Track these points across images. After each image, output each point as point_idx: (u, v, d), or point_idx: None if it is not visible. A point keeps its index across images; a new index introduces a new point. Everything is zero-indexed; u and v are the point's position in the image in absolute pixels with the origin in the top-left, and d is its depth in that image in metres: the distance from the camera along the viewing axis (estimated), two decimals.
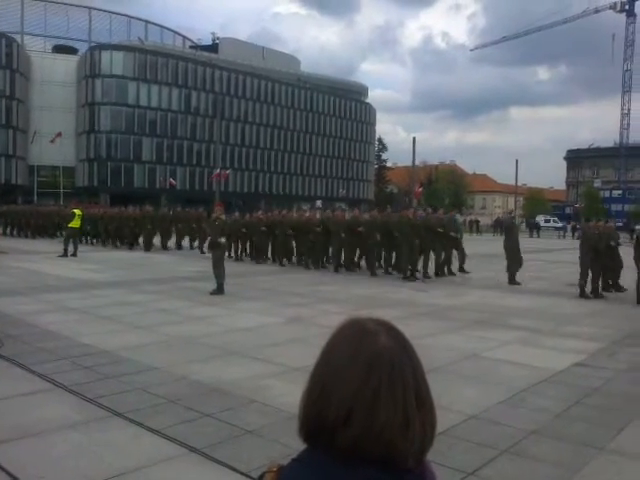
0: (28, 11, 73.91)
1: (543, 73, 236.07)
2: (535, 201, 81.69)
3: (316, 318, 9.21)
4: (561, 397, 5.61)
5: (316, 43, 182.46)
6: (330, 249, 17.05)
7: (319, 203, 66.78)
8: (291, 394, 5.42)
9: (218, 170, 40.69)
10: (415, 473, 0.93)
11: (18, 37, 68.82)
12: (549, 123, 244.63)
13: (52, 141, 53.96)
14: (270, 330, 8.42)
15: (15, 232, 30.54)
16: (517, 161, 50.18)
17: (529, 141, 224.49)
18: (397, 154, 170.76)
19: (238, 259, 19.57)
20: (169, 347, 7.27)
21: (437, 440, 3.43)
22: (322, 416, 0.91)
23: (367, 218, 17.14)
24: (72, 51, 73.18)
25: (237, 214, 20.73)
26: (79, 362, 6.39)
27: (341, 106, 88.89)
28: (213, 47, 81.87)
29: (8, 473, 3.76)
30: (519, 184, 59.70)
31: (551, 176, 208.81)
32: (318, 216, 18.30)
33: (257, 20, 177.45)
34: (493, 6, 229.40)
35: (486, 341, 7.98)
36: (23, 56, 66.77)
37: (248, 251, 19.81)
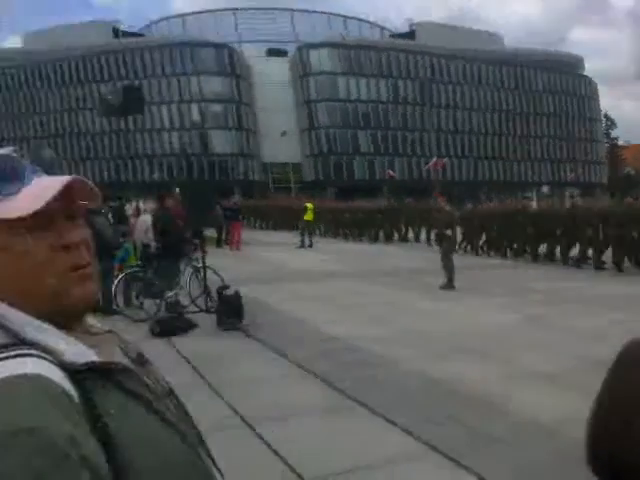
0: (240, 21, 79.56)
1: None
2: None
3: (557, 318, 8.53)
4: None
5: (518, 17, 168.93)
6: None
7: (546, 189, 62.45)
8: (539, 403, 5.08)
9: (434, 159, 40.28)
10: None
11: (236, 46, 74.09)
12: None
13: (283, 135, 58.55)
14: (507, 329, 8.01)
15: (258, 224, 33.53)
16: None
17: None
18: (630, 130, 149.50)
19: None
20: (406, 341, 7.33)
21: None
22: (616, 457, 0.78)
23: None
24: (282, 53, 77.03)
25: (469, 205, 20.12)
26: (322, 349, 6.81)
27: (555, 81, 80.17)
28: (410, 34, 80.00)
29: (270, 447, 4.14)
30: None
31: None
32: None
33: (452, 1, 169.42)
34: None
35: None
36: (243, 63, 72.42)
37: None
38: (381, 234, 23.50)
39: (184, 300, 8.72)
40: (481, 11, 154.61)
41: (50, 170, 0.81)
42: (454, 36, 77.36)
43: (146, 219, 10.08)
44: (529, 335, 7.68)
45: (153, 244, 9.50)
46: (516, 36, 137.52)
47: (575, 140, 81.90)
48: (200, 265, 8.91)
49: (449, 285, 11.40)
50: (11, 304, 0.73)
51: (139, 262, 9.66)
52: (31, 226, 0.74)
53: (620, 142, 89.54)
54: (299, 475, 3.74)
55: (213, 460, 0.84)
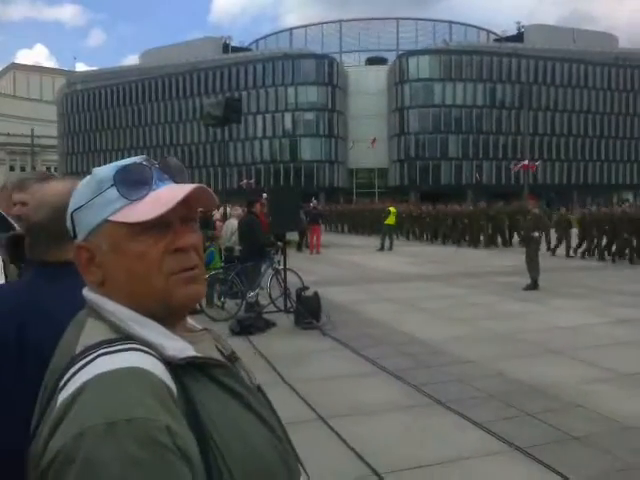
0: (345, 31, 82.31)
1: None
2: None
3: None
4: None
5: (636, 16, 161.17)
6: None
7: None
8: (623, 402, 4.96)
9: (526, 161, 39.15)
10: None
11: (337, 56, 76.96)
12: None
13: (372, 145, 59.00)
14: (593, 330, 7.77)
15: (339, 228, 33.80)
16: None
17: None
18: None
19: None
20: (485, 341, 7.26)
21: None
22: None
23: None
24: (382, 61, 78.82)
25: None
26: (400, 349, 6.82)
27: None
28: (518, 37, 79.04)
29: (346, 443, 4.21)
30: None
31: None
32: None
33: (566, 2, 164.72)
34: None
35: None
36: (341, 72, 74.27)
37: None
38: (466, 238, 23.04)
39: (264, 300, 8.96)
40: (600, 11, 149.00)
41: (177, 178, 0.87)
42: (564, 38, 75.58)
43: (232, 223, 10.41)
44: (614, 336, 7.40)
45: (237, 247, 9.84)
46: (635, 37, 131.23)
47: None
48: (281, 267, 9.12)
49: (533, 286, 11.17)
50: (121, 301, 0.81)
51: (222, 264, 10.00)
52: (150, 229, 0.80)
53: None
54: (374, 470, 3.80)
55: (297, 455, 0.89)
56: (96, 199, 0.83)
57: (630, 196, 66.76)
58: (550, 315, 8.88)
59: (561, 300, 10.18)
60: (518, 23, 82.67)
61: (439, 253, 20.12)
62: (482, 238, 22.02)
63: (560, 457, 3.93)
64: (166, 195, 0.81)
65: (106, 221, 0.81)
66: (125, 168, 0.83)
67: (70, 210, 0.86)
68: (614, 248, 16.28)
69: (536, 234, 11.83)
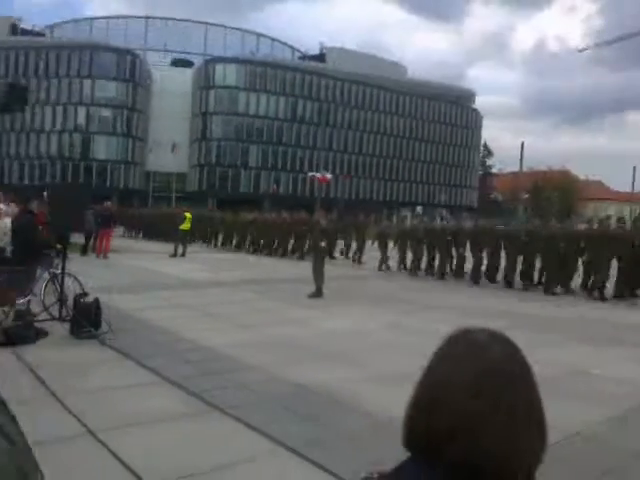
0: (151, 29, 79.30)
1: None
2: None
3: (414, 325, 9.09)
4: None
5: (423, 50, 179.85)
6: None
7: (419, 209, 65.98)
8: (388, 400, 5.35)
9: (319, 174, 41.40)
10: None
11: (141, 53, 73.75)
12: None
13: (173, 151, 57.53)
14: (367, 335, 8.41)
15: (133, 233, 32.34)
16: (634, 168, 47.05)
17: None
18: (504, 160, 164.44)
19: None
20: (269, 347, 7.44)
21: None
22: (429, 428, 0.89)
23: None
24: (188, 64, 77.49)
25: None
26: (184, 357, 6.70)
27: (446, 112, 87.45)
28: (320, 57, 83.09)
29: (116, 457, 4.01)
30: (636, 191, 55.85)
31: None
32: None
33: (365, 28, 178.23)
34: (611, 8, 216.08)
35: (593, 356, 7.53)
36: (145, 70, 71.46)
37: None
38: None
39: (36, 308, 8.20)
40: (393, 41, 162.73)
41: None
42: (362, 63, 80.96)
43: (6, 222, 9.56)
44: (384, 340, 8.05)
45: (9, 248, 8.92)
46: (422, 67, 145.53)
47: (453, 166, 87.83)
48: (59, 272, 8.43)
49: (318, 293, 11.75)
50: None
51: None
52: None
53: (494, 170, 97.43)
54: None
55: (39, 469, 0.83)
56: None
57: (408, 213, 73.64)
58: (330, 321, 9.41)
59: (342, 307, 10.87)
60: (321, 44, 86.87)
61: (232, 260, 20.32)
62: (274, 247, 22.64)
63: (331, 455, 4.14)
64: None
65: None
66: None
67: None
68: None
69: (323, 244, 12.51)
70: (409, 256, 17.31)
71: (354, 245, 21.12)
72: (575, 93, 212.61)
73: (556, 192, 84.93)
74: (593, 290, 13.31)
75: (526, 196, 39.56)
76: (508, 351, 0.92)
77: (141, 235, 31.65)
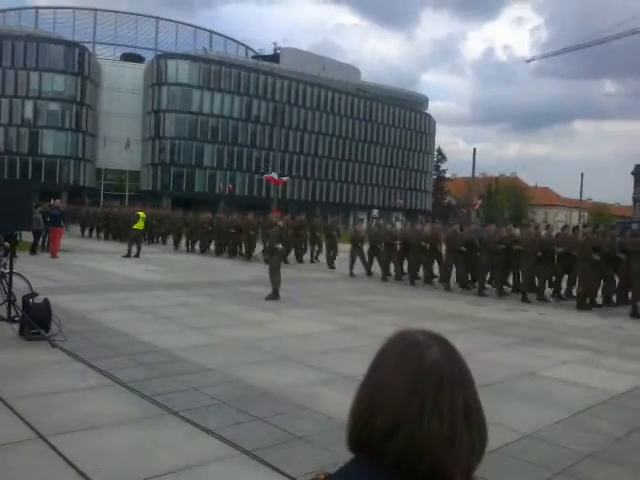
0: (100, 22, 77.58)
1: (610, 86, 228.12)
2: (600, 216, 78.95)
3: (369, 328, 9.18)
4: (621, 421, 5.40)
5: (377, 55, 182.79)
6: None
7: (376, 212, 66.68)
8: (342, 402, 5.39)
9: (274, 175, 41.25)
10: None
11: (90, 46, 72.08)
12: (615, 137, 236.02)
13: (127, 148, 56.36)
14: (323, 338, 8.46)
15: (86, 232, 31.47)
16: (582, 175, 48.67)
17: (594, 155, 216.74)
18: (457, 165, 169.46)
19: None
20: (224, 349, 7.40)
21: (490, 458, 3.35)
22: (369, 427, 0.91)
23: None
24: (139, 60, 76.12)
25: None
26: (137, 359, 6.59)
27: (400, 116, 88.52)
28: (274, 57, 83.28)
29: (67, 461, 3.92)
30: (583, 199, 57.77)
31: (617, 192, 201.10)
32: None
33: (318, 32, 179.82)
34: (556, 20, 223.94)
35: (543, 359, 7.77)
36: (94, 64, 69.73)
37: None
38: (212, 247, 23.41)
39: None
40: (347, 45, 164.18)
41: None
42: (316, 64, 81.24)
43: None
44: (340, 342, 8.11)
45: None
46: (375, 72, 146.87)
47: (408, 170, 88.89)
48: (7, 271, 8.16)
49: (274, 296, 11.73)
50: None
51: None
52: None
53: (447, 175, 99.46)
54: None
55: None
56: None
57: (364, 216, 74.34)
58: (287, 324, 9.42)
59: (298, 310, 10.88)
60: (275, 44, 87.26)
61: (187, 262, 20.07)
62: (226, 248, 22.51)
63: (284, 457, 4.16)
64: None
65: None
66: None
67: None
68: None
69: (280, 246, 12.47)
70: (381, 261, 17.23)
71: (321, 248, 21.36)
72: (524, 102, 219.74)
73: (507, 198, 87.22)
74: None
75: (479, 201, 40.38)
76: (446, 352, 0.94)
77: (92, 234, 30.87)
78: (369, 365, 0.97)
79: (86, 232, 31.51)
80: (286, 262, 19.07)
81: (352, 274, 17.33)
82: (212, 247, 23.25)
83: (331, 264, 19.71)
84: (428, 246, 15.65)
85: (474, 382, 0.95)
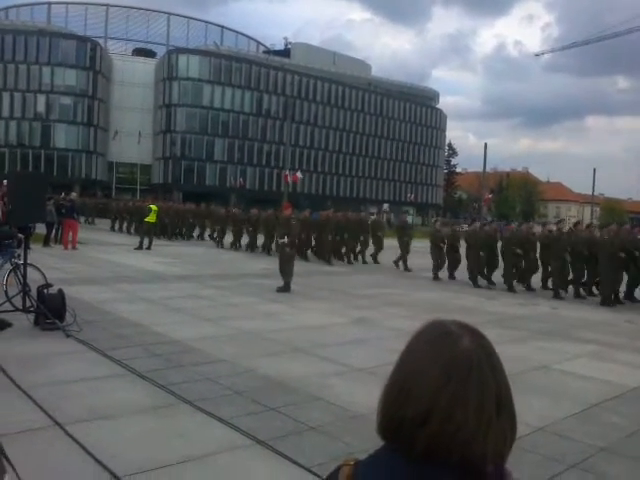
0: (112, 17, 78.00)
1: (622, 82, 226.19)
2: (612, 211, 78.34)
3: (381, 320, 9.21)
4: (635, 415, 5.38)
5: (388, 50, 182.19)
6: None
7: (386, 207, 66.56)
8: (354, 393, 5.46)
9: (287, 171, 41.32)
10: (493, 478, 0.92)
11: (102, 41, 72.45)
12: (628, 133, 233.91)
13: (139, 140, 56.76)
14: (335, 330, 8.47)
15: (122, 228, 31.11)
16: (594, 170, 48.30)
17: (606, 151, 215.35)
18: (468, 160, 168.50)
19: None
20: (237, 340, 7.44)
21: None
22: (400, 415, 0.92)
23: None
24: (151, 54, 76.42)
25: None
26: (152, 350, 6.65)
27: (411, 111, 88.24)
28: (285, 52, 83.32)
29: (84, 449, 3.97)
30: (596, 194, 57.37)
31: (630, 187, 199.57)
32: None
33: (330, 27, 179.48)
34: (567, 17, 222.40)
35: (556, 353, 7.74)
36: (105, 58, 70.06)
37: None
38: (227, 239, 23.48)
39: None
40: (358, 41, 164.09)
41: None
42: (327, 59, 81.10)
43: None
44: (351, 335, 8.13)
45: None
46: (386, 67, 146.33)
47: (418, 164, 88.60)
48: (21, 262, 8.24)
49: (286, 288, 11.76)
50: None
51: None
52: None
53: (458, 169, 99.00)
54: (112, 473, 3.64)
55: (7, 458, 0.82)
56: None
57: (374, 210, 74.19)
58: (298, 316, 9.45)
59: (310, 302, 10.91)
60: (285, 39, 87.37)
61: (199, 254, 20.15)
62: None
63: (297, 447, 4.18)
64: None
65: None
66: None
67: None
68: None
69: (288, 240, 12.45)
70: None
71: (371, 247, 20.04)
72: (535, 98, 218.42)
73: (518, 192, 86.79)
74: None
75: (490, 196, 40.22)
76: (478, 341, 0.96)
77: (105, 226, 31.01)
78: (401, 353, 0.98)
79: (116, 225, 30.82)
80: (350, 262, 19.03)
81: (437, 277, 15.88)
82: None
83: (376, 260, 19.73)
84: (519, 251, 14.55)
85: (505, 372, 0.96)
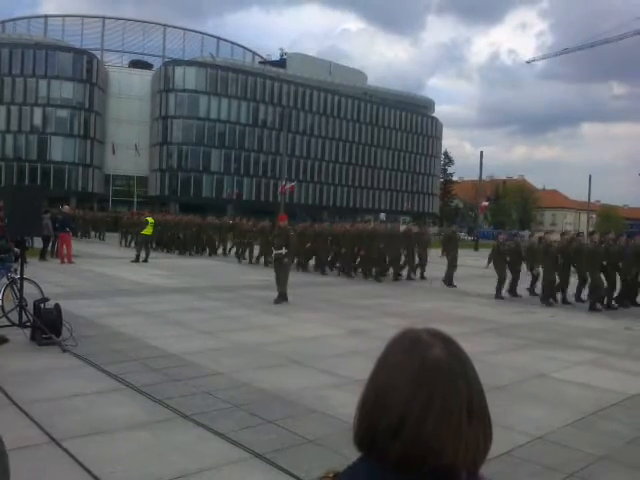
0: (108, 29, 78.33)
1: (617, 89, 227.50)
2: (609, 218, 78.55)
3: (378, 331, 9.16)
4: (634, 423, 5.37)
5: (383, 59, 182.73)
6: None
7: (383, 216, 66.66)
8: (351, 405, 5.37)
9: (284, 182, 41.41)
10: None
11: (98, 53, 72.67)
12: (623, 140, 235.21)
13: (137, 150, 56.86)
14: (332, 341, 8.45)
15: (94, 237, 31.33)
16: (590, 177, 48.46)
17: (602, 158, 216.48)
18: (464, 168, 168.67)
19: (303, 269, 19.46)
20: (234, 353, 7.41)
21: (501, 461, 3.38)
22: (374, 426, 0.92)
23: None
24: (147, 66, 76.62)
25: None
26: (148, 364, 6.62)
27: (407, 120, 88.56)
28: (281, 62, 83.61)
29: (81, 465, 3.94)
30: (592, 201, 57.54)
31: (626, 193, 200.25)
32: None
33: (325, 37, 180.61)
34: (561, 25, 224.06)
35: (554, 361, 7.74)
36: (102, 71, 70.22)
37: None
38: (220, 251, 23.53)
39: None
40: (353, 51, 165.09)
41: None
42: (322, 69, 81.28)
43: None
44: (349, 346, 8.10)
45: None
46: (381, 77, 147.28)
47: (415, 173, 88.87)
48: (17, 276, 8.22)
49: (282, 300, 11.73)
50: None
51: None
52: None
53: (454, 178, 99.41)
54: None
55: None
56: None
57: (371, 219, 74.27)
58: (296, 327, 9.43)
59: (307, 313, 10.89)
60: (281, 49, 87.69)
61: (194, 266, 20.12)
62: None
63: (295, 460, 4.17)
64: None
65: None
66: None
67: None
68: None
69: (282, 251, 12.41)
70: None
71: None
72: (530, 105, 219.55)
73: (514, 200, 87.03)
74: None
75: (486, 204, 40.32)
76: (449, 349, 0.95)
77: (100, 238, 30.95)
78: (375, 364, 0.98)
79: (124, 241, 28.71)
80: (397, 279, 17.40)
81: (501, 296, 14.52)
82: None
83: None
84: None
85: (479, 379, 0.95)
